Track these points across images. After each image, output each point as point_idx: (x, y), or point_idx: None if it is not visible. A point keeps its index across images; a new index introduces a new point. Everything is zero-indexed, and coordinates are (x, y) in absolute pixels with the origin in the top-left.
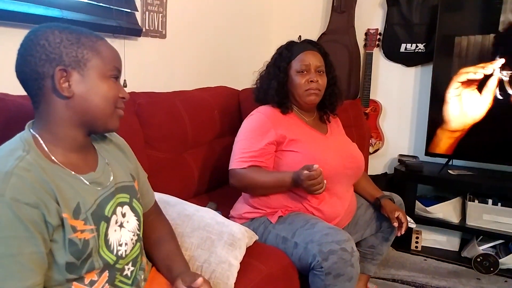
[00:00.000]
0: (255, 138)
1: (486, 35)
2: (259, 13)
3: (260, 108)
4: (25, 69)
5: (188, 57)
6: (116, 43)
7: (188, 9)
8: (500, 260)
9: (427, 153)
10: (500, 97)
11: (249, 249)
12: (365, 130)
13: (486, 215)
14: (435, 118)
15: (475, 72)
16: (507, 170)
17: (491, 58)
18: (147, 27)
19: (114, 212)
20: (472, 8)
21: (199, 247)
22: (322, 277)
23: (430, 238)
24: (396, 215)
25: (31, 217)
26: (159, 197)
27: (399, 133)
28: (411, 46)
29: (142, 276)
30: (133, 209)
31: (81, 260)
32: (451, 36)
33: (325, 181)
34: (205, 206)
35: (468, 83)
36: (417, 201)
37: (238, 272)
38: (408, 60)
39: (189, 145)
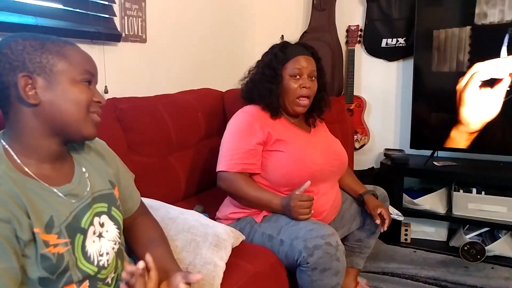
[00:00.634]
0: (243, 139)
1: (462, 28)
2: (240, 13)
3: (246, 108)
4: None
5: (170, 60)
6: (95, 49)
7: (167, 13)
8: (486, 248)
9: (412, 145)
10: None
11: (235, 249)
12: (348, 126)
13: (471, 204)
14: (419, 111)
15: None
16: (489, 159)
17: (468, 50)
18: (126, 32)
19: (91, 223)
20: (448, 1)
21: (184, 249)
22: (309, 273)
23: (419, 230)
24: (378, 212)
25: (3, 232)
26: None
27: (384, 128)
28: (392, 41)
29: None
30: (112, 218)
31: (57, 274)
32: (430, 29)
33: (312, 211)
34: (192, 209)
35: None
36: (404, 194)
37: (225, 273)
38: (390, 55)
39: (173, 148)
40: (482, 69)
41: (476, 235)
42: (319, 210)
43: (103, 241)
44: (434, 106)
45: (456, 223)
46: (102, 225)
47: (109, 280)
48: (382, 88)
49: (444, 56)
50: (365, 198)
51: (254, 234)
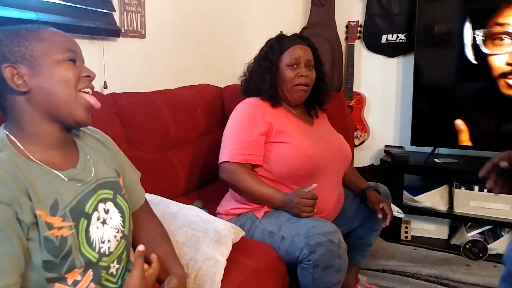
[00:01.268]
0: (245, 130)
1: (464, 23)
2: (239, 9)
3: (247, 100)
4: None
5: (169, 56)
6: (95, 45)
7: (167, 8)
8: (488, 246)
9: (413, 142)
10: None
11: (236, 245)
12: (348, 122)
13: (473, 202)
14: (420, 108)
15: None
16: (491, 156)
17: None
18: (126, 28)
19: (95, 209)
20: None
21: (185, 245)
22: (310, 270)
23: (419, 228)
24: (380, 207)
25: (4, 215)
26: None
27: (384, 124)
28: (392, 36)
29: None
30: (117, 205)
31: (60, 258)
32: (431, 25)
33: (315, 210)
34: (191, 205)
35: None
36: (404, 191)
37: (225, 269)
38: (390, 51)
39: (172, 144)
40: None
41: (478, 233)
42: (322, 207)
43: (106, 228)
44: (435, 103)
45: (457, 221)
46: (107, 211)
47: (113, 270)
48: (382, 84)
49: (445, 52)
50: (367, 193)
51: (255, 230)
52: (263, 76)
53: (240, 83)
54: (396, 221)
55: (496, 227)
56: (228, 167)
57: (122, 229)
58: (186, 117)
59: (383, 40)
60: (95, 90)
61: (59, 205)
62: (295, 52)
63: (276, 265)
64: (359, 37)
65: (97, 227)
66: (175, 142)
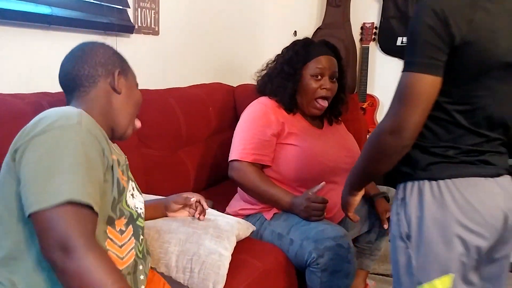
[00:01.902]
0: (257, 129)
1: None
2: (254, 8)
3: (262, 99)
4: (83, 66)
5: (182, 53)
6: (108, 41)
7: (181, 5)
8: None
9: None
10: None
11: (245, 246)
12: (362, 125)
13: None
14: None
15: None
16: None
17: None
18: (139, 24)
19: (130, 180)
20: None
21: (187, 241)
22: (319, 274)
23: None
24: (387, 216)
25: (98, 148)
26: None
27: None
28: None
29: (143, 269)
30: (137, 188)
31: (117, 201)
32: None
33: (325, 214)
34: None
35: None
36: None
37: (234, 269)
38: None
39: (183, 142)
40: None
41: None
42: (329, 207)
43: (135, 200)
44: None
45: None
46: (133, 188)
47: (141, 238)
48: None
49: None
50: (375, 201)
51: (264, 232)
52: (285, 83)
53: (256, 81)
54: None
55: None
56: (238, 165)
57: (142, 209)
58: (197, 116)
59: (398, 42)
60: None
61: (120, 162)
62: (321, 63)
63: (285, 267)
64: (374, 39)
65: (130, 196)
66: (186, 141)
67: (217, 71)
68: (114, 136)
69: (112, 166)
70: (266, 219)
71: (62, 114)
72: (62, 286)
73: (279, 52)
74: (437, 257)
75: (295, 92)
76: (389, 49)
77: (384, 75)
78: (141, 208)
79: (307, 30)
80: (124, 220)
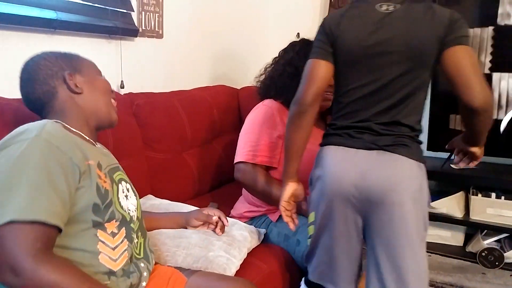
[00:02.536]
0: (264, 131)
1: (485, 28)
2: (257, 11)
3: (267, 102)
4: (35, 86)
5: (186, 56)
6: (113, 44)
7: (184, 8)
8: (505, 254)
9: (429, 148)
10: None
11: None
12: None
13: (490, 209)
14: (436, 113)
15: None
16: (509, 163)
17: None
18: (143, 27)
19: (120, 182)
20: (469, 1)
21: (197, 245)
22: None
23: (434, 234)
24: None
25: (60, 159)
26: (152, 202)
27: None
28: None
29: (146, 266)
30: (133, 190)
31: (104, 205)
32: None
33: None
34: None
35: None
36: None
37: (239, 271)
38: None
39: (188, 145)
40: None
41: (494, 241)
42: None
43: (129, 202)
44: (452, 108)
45: (473, 228)
46: (127, 190)
47: (135, 241)
48: None
49: None
50: None
51: (270, 233)
52: (288, 84)
53: (256, 86)
54: None
55: None
56: (243, 167)
57: (138, 210)
58: (202, 118)
59: None
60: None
61: (102, 165)
62: None
63: (290, 269)
64: None
65: (123, 198)
66: (191, 143)
67: (221, 74)
68: (104, 126)
69: (90, 171)
70: (272, 221)
71: (25, 128)
72: None
73: None
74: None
75: None
76: None
77: None
78: (133, 211)
79: (310, 32)
80: (115, 223)
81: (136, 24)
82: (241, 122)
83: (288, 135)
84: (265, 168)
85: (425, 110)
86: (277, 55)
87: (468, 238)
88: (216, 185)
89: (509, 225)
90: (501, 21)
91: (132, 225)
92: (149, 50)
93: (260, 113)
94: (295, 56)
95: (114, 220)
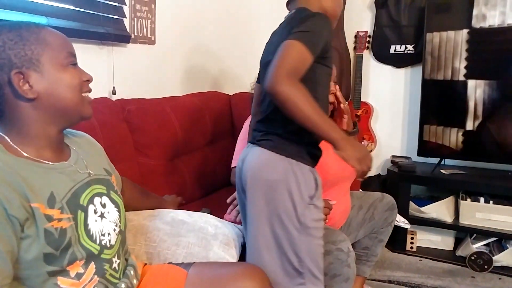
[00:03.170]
0: None
1: (459, 31)
2: (250, 17)
3: None
4: None
5: (178, 63)
6: (105, 50)
7: (177, 15)
8: (493, 258)
9: (420, 153)
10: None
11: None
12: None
13: (479, 213)
14: (427, 118)
15: None
16: (497, 168)
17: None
18: (135, 34)
19: (91, 202)
20: (457, 8)
21: (196, 245)
22: None
23: (425, 238)
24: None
25: None
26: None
27: (391, 134)
28: (400, 47)
29: (133, 273)
30: (112, 201)
31: (60, 250)
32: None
33: (327, 220)
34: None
35: None
36: (411, 202)
37: None
38: (398, 61)
39: (180, 151)
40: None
41: (483, 245)
42: (329, 216)
43: (105, 222)
44: (442, 114)
45: (463, 232)
46: (104, 205)
47: (115, 265)
48: (390, 94)
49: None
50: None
51: None
52: None
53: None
54: (402, 231)
55: (502, 239)
56: None
57: (119, 223)
58: (194, 124)
59: (392, 50)
60: (104, 95)
61: (56, 197)
62: None
63: None
64: (367, 48)
65: (96, 220)
66: (183, 149)
67: (213, 80)
68: (75, 123)
69: (35, 217)
70: None
71: None
72: None
73: None
74: None
75: None
76: (383, 57)
77: (378, 83)
78: (109, 233)
79: None
80: (80, 263)
81: (128, 31)
82: (233, 128)
83: (314, 107)
84: None
85: (415, 116)
86: None
87: (458, 243)
88: (209, 191)
89: (498, 229)
90: (476, 23)
91: (103, 255)
92: (141, 56)
93: None
94: None
95: (78, 261)
